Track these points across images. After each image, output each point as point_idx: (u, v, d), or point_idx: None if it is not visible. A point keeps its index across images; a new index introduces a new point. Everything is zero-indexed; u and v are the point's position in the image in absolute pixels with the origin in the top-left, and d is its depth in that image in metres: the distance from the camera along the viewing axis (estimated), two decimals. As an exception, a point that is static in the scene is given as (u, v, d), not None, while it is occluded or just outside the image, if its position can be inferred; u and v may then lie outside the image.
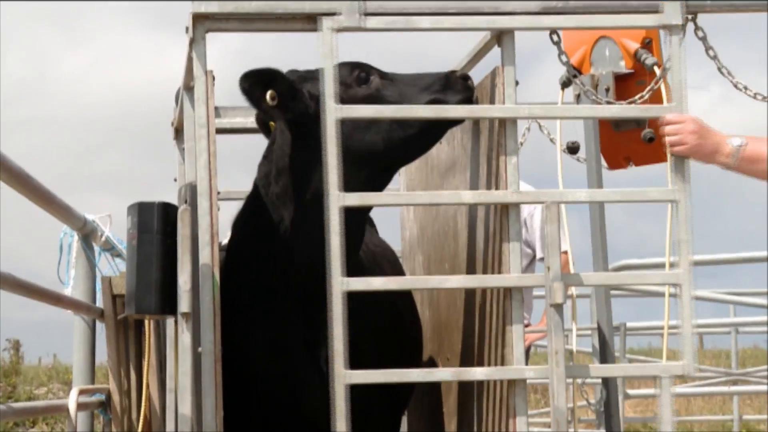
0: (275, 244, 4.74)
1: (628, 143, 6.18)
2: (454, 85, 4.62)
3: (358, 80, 4.66)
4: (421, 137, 4.67)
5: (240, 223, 5.02)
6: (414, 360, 5.51)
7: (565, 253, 6.80)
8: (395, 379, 4.54)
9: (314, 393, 4.79)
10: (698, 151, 4.61)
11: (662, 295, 10.15)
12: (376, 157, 4.65)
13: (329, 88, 4.37)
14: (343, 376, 4.32)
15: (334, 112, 4.35)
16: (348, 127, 4.53)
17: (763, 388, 12.23)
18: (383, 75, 4.71)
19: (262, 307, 4.82)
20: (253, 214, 4.88)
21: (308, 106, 4.63)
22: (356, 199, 4.40)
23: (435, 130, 4.75)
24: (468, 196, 4.74)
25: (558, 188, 5.50)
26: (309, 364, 4.79)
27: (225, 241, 5.21)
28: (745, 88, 5.22)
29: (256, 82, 4.56)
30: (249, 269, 4.86)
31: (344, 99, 4.51)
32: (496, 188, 4.55)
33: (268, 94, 4.55)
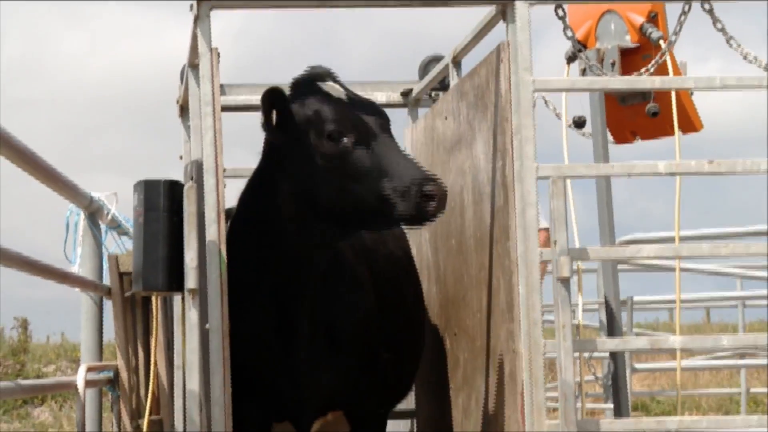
0: (268, 226, 4.74)
1: (634, 117, 6.18)
2: (411, 198, 4.32)
3: (330, 135, 4.49)
4: (360, 216, 4.52)
5: (242, 202, 5.03)
6: (417, 337, 5.53)
7: (546, 229, 6.80)
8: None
9: (285, 381, 4.81)
10: None
11: (669, 269, 10.16)
12: (320, 212, 4.57)
13: (524, 61, 4.37)
14: (541, 345, 4.34)
15: (530, 85, 4.36)
16: (303, 175, 4.53)
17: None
18: (364, 139, 4.47)
19: (251, 294, 4.81)
20: (252, 195, 4.90)
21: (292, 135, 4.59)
22: (551, 170, 4.36)
23: (378, 219, 4.54)
24: (663, 166, 4.54)
25: (564, 163, 5.48)
26: (281, 350, 4.79)
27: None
28: (755, 59, 5.21)
29: (268, 101, 4.53)
30: (245, 251, 4.83)
31: (309, 143, 4.50)
32: (503, 164, 4.55)
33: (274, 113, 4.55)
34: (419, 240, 6.10)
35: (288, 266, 4.69)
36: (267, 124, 4.55)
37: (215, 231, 4.45)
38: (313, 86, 4.64)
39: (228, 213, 5.36)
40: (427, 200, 4.30)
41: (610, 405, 8.02)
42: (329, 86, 4.64)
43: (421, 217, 4.35)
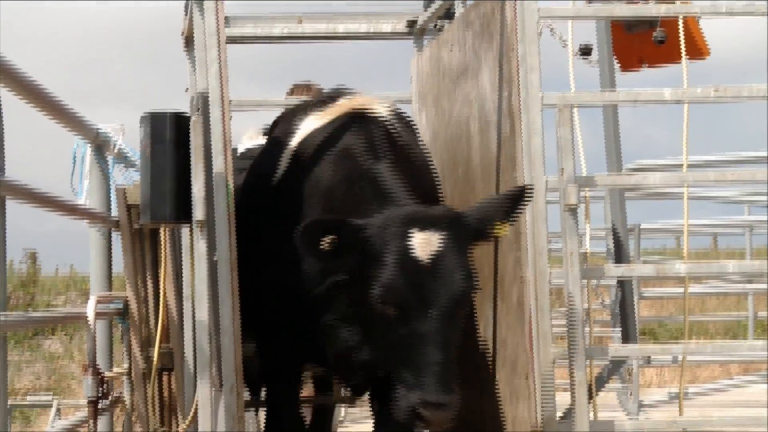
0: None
1: (641, 44, 6.14)
2: (405, 408, 4.02)
3: (376, 295, 4.15)
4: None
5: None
6: None
7: None
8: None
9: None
10: None
11: (676, 196, 10.16)
12: None
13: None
14: (547, 274, 4.35)
15: (535, 14, 4.35)
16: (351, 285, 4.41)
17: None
18: (405, 318, 4.08)
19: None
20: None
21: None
22: (556, 99, 4.34)
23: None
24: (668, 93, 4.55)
25: (570, 92, 5.46)
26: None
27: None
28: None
29: (317, 231, 4.21)
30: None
31: (365, 273, 4.23)
32: (509, 93, 4.54)
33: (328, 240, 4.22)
34: (426, 169, 6.09)
35: None
36: (312, 252, 4.22)
37: (222, 162, 4.46)
38: (406, 230, 4.17)
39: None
40: (418, 418, 4.02)
41: (618, 331, 8.07)
42: (423, 238, 4.14)
43: (407, 423, 4.13)
